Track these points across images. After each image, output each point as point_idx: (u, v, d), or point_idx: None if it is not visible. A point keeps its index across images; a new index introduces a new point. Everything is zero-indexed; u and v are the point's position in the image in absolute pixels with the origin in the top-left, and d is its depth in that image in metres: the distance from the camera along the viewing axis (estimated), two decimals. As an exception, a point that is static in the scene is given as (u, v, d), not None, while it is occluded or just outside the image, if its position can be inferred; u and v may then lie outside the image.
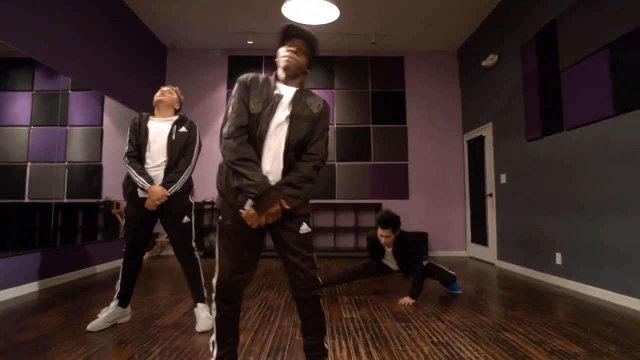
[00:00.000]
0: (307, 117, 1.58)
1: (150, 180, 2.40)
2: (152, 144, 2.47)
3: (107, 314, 2.45)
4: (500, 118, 5.26)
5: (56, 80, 4.08)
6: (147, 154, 2.47)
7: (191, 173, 2.57)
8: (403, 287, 3.36)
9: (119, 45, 5.22)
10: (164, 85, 2.74)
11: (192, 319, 2.61)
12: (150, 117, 2.56)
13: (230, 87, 6.47)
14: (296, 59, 1.60)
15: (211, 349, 1.62)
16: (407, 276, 3.36)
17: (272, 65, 6.28)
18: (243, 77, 1.61)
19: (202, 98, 6.57)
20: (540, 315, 2.82)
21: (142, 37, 5.88)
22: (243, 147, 1.49)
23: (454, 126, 6.63)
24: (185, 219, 2.52)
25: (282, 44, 1.63)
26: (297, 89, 1.62)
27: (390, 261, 3.41)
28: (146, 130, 2.48)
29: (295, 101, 1.58)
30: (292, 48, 1.60)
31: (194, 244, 2.57)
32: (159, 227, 5.78)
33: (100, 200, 4.91)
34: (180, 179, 2.48)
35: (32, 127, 3.86)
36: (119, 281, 2.50)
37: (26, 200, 3.78)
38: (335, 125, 6.58)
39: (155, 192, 2.38)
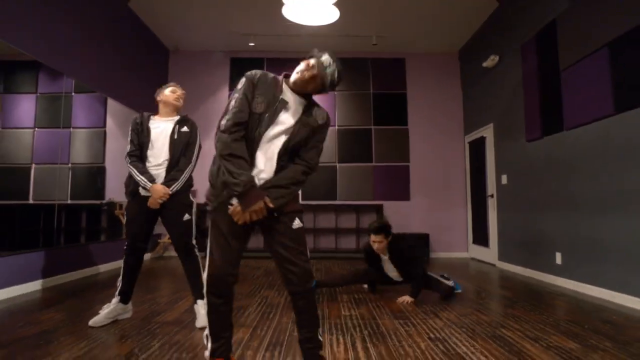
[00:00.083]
0: (310, 125, 1.62)
1: (152, 179, 2.44)
2: (154, 143, 2.52)
3: (109, 310, 2.49)
4: (501, 119, 5.27)
5: (59, 82, 4.15)
6: (149, 153, 2.51)
7: (192, 172, 2.61)
8: (403, 288, 3.37)
9: (122, 48, 5.29)
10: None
11: (192, 315, 2.64)
12: (152, 116, 2.60)
13: (232, 89, 6.53)
14: (304, 86, 1.59)
15: (205, 342, 1.65)
16: (411, 283, 3.33)
17: (273, 68, 6.34)
18: (251, 73, 1.61)
19: (204, 100, 6.63)
20: (538, 313, 2.83)
21: (144, 40, 5.96)
22: (235, 143, 1.51)
23: (455, 127, 6.65)
24: (186, 216, 2.56)
25: (306, 61, 1.60)
26: (307, 101, 1.64)
27: (391, 271, 3.44)
28: (148, 130, 2.52)
29: (302, 109, 1.62)
30: (306, 75, 1.57)
31: (194, 242, 2.60)
32: (161, 229, 5.85)
33: (104, 202, 4.96)
34: (182, 177, 2.52)
35: (36, 129, 3.91)
36: (120, 278, 2.54)
37: (30, 201, 3.83)
38: (336, 127, 6.62)
39: (158, 190, 2.42)
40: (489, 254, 5.60)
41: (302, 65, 1.60)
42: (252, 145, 1.56)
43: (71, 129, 4.36)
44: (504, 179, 5.16)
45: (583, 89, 3.60)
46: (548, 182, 4.17)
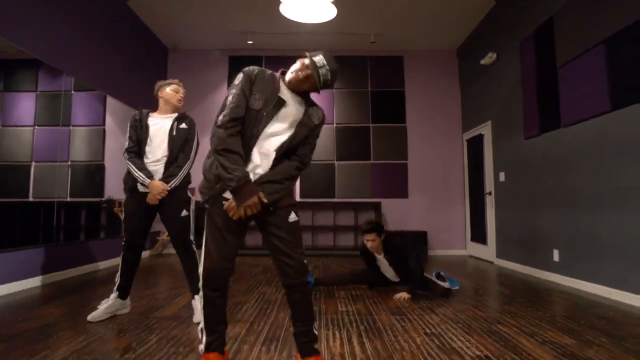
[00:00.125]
0: (307, 126, 1.64)
1: (150, 176, 2.45)
2: (153, 140, 2.53)
3: (107, 305, 2.50)
4: (499, 116, 5.29)
5: (59, 80, 4.16)
6: (148, 149, 2.52)
7: (190, 168, 2.63)
8: (402, 288, 3.38)
9: (121, 46, 5.31)
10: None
11: (189, 311, 2.66)
12: (151, 113, 2.62)
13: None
14: (299, 85, 1.62)
15: (200, 335, 1.67)
16: (408, 283, 3.35)
17: (272, 66, 6.34)
18: (249, 69, 1.63)
19: (203, 98, 6.65)
20: (534, 309, 2.84)
21: (143, 38, 5.97)
22: (231, 138, 1.53)
23: (454, 125, 6.66)
24: (184, 212, 2.57)
25: (301, 60, 1.62)
26: (304, 99, 1.66)
27: (387, 271, 3.47)
28: (147, 127, 2.54)
29: (304, 112, 1.64)
30: (301, 75, 1.59)
31: (191, 237, 2.62)
32: (160, 226, 5.87)
33: (103, 199, 4.98)
34: (180, 173, 2.54)
35: (36, 127, 3.93)
36: (118, 274, 2.56)
37: (30, 199, 3.85)
38: (334, 125, 6.64)
39: (156, 186, 2.43)
40: (487, 251, 5.62)
41: (297, 65, 1.62)
42: (249, 141, 1.57)
43: (71, 127, 4.38)
44: (502, 177, 5.17)
45: (580, 86, 3.62)
46: (545, 179, 4.19)
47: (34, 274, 3.61)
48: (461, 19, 5.75)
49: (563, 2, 3.91)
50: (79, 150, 4.58)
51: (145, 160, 2.51)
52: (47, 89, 4.07)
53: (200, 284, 1.64)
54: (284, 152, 1.61)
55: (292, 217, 1.63)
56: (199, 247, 1.73)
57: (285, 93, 1.63)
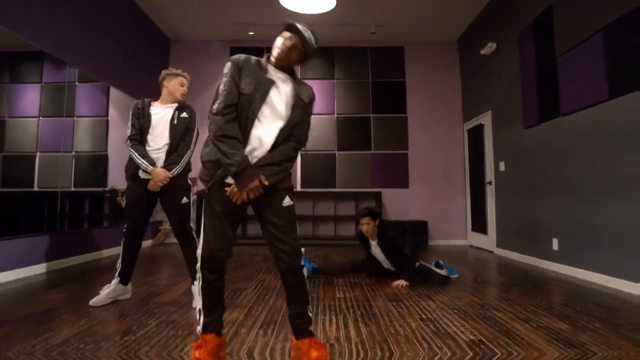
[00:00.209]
0: (301, 106, 1.68)
1: (153, 163, 2.49)
2: (155, 128, 2.56)
3: (109, 290, 2.56)
4: (499, 106, 5.27)
5: (63, 72, 4.19)
6: (149, 137, 2.56)
7: (190, 156, 2.66)
8: (398, 276, 3.42)
9: (124, 38, 5.33)
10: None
11: (189, 296, 2.71)
12: (153, 103, 2.65)
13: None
14: (288, 56, 1.66)
15: (197, 316, 1.71)
16: (402, 270, 3.39)
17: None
18: (235, 57, 1.67)
19: (204, 89, 6.65)
20: (532, 297, 2.86)
21: (146, 30, 5.99)
22: (228, 124, 1.57)
23: (454, 115, 6.64)
24: (184, 199, 2.61)
25: (282, 35, 1.68)
26: (291, 78, 1.70)
27: (383, 261, 3.52)
28: (149, 115, 2.57)
29: (294, 92, 1.67)
30: (287, 43, 1.65)
31: (192, 224, 2.66)
32: (162, 216, 5.93)
33: (106, 189, 5.04)
34: (181, 161, 2.58)
35: (40, 118, 3.98)
36: (119, 260, 2.61)
37: (35, 189, 3.91)
38: (335, 115, 6.64)
39: (159, 174, 2.47)
40: (488, 241, 5.63)
41: (279, 40, 1.67)
42: (245, 125, 1.61)
43: (74, 118, 4.43)
44: (502, 166, 5.17)
45: (578, 75, 3.60)
46: (545, 168, 4.19)
47: (38, 261, 3.68)
48: (461, 9, 5.70)
49: (564, -11, 3.87)
50: (83, 140, 4.63)
51: (147, 148, 2.55)
52: (52, 81, 4.11)
53: (199, 265, 1.68)
54: (282, 134, 1.64)
55: (287, 201, 1.66)
56: (199, 235, 1.77)
57: (273, 74, 1.67)
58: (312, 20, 5.90)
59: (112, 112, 5.07)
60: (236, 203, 1.58)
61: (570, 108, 3.73)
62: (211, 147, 1.63)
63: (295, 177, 6.53)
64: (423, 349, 1.85)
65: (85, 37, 4.46)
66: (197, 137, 2.71)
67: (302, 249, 1.78)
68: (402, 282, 3.19)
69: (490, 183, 5.55)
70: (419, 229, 6.09)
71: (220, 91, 1.62)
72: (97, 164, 4.90)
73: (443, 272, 3.33)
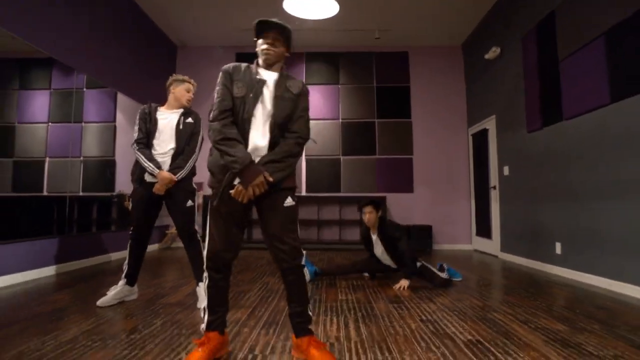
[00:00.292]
0: (289, 98, 1.73)
1: (159, 166, 2.56)
2: (161, 133, 2.64)
3: (116, 291, 2.63)
4: (503, 110, 5.29)
5: (71, 78, 4.30)
6: (155, 142, 2.63)
7: (195, 160, 2.73)
8: (398, 273, 3.46)
9: (131, 44, 5.45)
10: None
11: (194, 298, 2.77)
12: (159, 107, 2.72)
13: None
14: (274, 50, 1.75)
15: (202, 315, 1.77)
16: (401, 267, 3.44)
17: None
18: (226, 66, 1.77)
19: (209, 94, 6.76)
20: (532, 300, 2.87)
21: (152, 36, 6.11)
22: (226, 128, 1.64)
23: (459, 120, 6.67)
24: (189, 202, 2.67)
25: (258, 38, 1.76)
26: (278, 73, 1.77)
27: (385, 259, 3.56)
28: (155, 120, 2.64)
29: (278, 85, 1.73)
30: (268, 41, 1.73)
31: (196, 227, 2.72)
32: (169, 220, 6.01)
33: (114, 194, 5.13)
34: (187, 165, 2.65)
35: (50, 123, 4.07)
36: (126, 262, 2.68)
37: (45, 193, 4.00)
38: (340, 120, 6.70)
39: (164, 177, 2.54)
40: (492, 245, 5.63)
41: (259, 41, 1.76)
42: (243, 126, 1.67)
43: (83, 124, 4.52)
44: (506, 170, 5.18)
45: (581, 79, 3.62)
46: (548, 172, 4.20)
47: (48, 263, 3.77)
48: (465, 13, 5.75)
49: (565, -6, 3.91)
50: (91, 146, 4.72)
51: (153, 152, 2.61)
52: (60, 87, 4.20)
53: (205, 265, 1.73)
54: (279, 130, 1.69)
55: (289, 201, 1.71)
56: (204, 239, 1.83)
57: (262, 75, 1.74)
58: (316, 26, 5.99)
59: (120, 118, 5.17)
60: (242, 201, 1.63)
61: (573, 112, 3.74)
62: (215, 153, 1.70)
63: (301, 181, 6.59)
64: (421, 348, 1.88)
65: (93, 43, 4.58)
66: (202, 142, 2.78)
67: (304, 252, 1.82)
68: (403, 284, 3.22)
69: (494, 187, 5.56)
70: (424, 233, 6.09)
71: (215, 100, 1.71)
72: (104, 169, 4.99)
73: (443, 274, 3.36)
